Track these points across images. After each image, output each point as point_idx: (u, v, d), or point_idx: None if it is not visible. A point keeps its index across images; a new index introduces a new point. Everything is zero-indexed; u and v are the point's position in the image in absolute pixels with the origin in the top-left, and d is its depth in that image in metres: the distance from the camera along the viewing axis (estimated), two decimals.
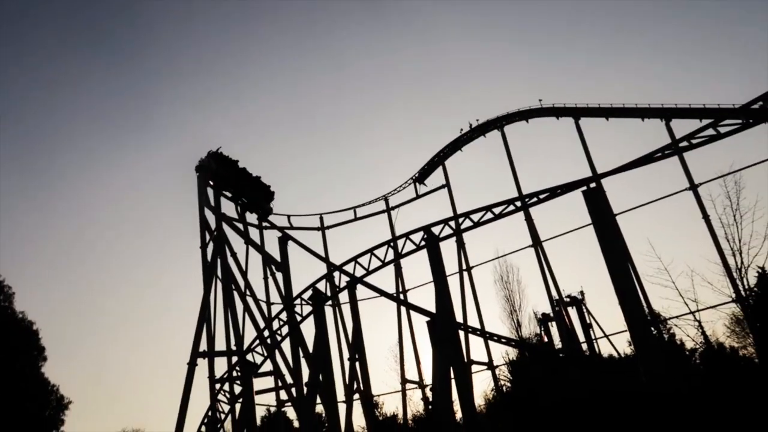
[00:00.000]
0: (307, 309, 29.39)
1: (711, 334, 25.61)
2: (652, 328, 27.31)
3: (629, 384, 23.00)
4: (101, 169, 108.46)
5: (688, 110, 30.98)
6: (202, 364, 30.74)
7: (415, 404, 34.20)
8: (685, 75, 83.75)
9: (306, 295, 29.15)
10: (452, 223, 26.91)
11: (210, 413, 30.23)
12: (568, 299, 33.46)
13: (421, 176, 42.82)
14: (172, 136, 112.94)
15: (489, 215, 25.95)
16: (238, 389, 30.78)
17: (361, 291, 30.46)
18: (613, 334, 33.05)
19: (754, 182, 26.19)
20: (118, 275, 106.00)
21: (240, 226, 35.89)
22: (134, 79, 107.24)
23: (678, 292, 23.72)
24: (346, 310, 33.36)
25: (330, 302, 36.12)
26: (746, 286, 23.80)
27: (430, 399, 27.46)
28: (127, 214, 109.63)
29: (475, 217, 26.12)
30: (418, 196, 42.85)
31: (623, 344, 33.62)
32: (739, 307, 24.82)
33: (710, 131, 22.02)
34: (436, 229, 26.30)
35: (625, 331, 22.72)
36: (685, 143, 23.43)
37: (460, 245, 37.38)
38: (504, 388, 29.97)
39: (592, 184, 24.02)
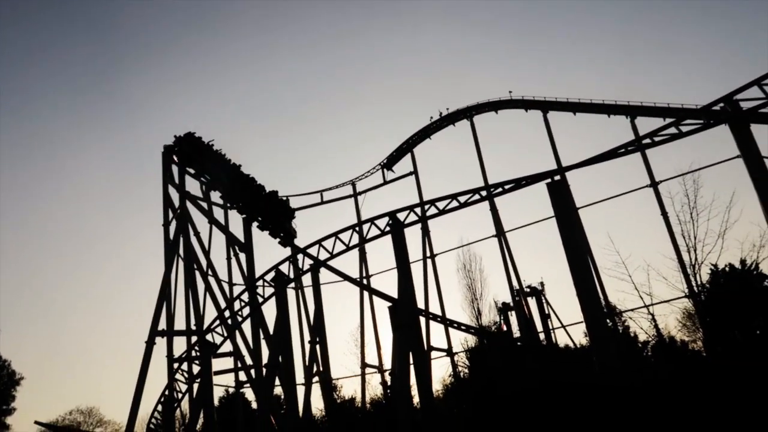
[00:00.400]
0: (270, 291, 29.24)
1: (663, 328, 26.25)
2: (608, 320, 28.02)
3: (584, 374, 23.53)
4: (61, 143, 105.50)
5: (653, 109, 31.65)
6: (161, 343, 30.43)
7: (374, 388, 34.48)
8: (654, 74, 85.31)
9: (269, 277, 28.97)
10: (418, 210, 27.01)
11: (167, 393, 29.94)
12: (528, 289, 33.97)
13: (390, 162, 42.82)
14: (138, 113, 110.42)
15: (454, 203, 26.13)
16: (196, 369, 30.56)
17: (324, 274, 30.49)
18: (570, 325, 33.83)
19: (711, 182, 26.94)
20: (76, 250, 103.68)
21: (204, 205, 35.42)
22: (100, 53, 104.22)
23: (634, 285, 24.23)
24: (309, 293, 33.36)
25: (293, 285, 36.06)
26: (699, 282, 24.44)
27: (389, 383, 27.66)
28: (87, 189, 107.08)
29: (441, 204, 26.26)
30: (385, 182, 42.87)
31: (579, 335, 34.45)
32: (691, 302, 25.54)
33: (672, 130, 22.49)
34: (401, 215, 26.37)
35: (582, 322, 23.21)
36: (647, 140, 23.87)
37: (425, 232, 37.58)
38: (462, 374, 30.38)
39: (557, 177, 24.32)
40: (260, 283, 29.53)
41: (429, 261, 37.27)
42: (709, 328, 24.17)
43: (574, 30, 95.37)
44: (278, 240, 31.44)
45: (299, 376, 30.57)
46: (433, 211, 26.76)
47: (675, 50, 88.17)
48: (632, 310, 26.18)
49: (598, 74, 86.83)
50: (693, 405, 17.88)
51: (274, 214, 30.62)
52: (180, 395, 30.99)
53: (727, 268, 24.98)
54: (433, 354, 33.14)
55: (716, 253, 23.01)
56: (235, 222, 36.65)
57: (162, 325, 30.87)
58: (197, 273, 32.18)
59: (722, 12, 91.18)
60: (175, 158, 33.33)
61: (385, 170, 43.02)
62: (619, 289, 33.46)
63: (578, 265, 21.44)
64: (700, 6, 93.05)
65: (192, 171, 32.71)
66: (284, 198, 35.25)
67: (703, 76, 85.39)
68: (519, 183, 25.43)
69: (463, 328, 29.89)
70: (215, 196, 36.82)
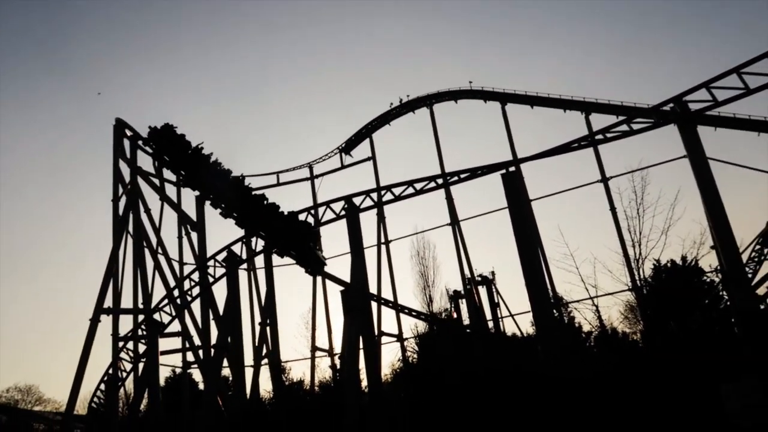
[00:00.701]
0: (221, 271, 28.83)
1: (606, 319, 27.08)
2: (554, 311, 28.74)
3: (529, 363, 24.08)
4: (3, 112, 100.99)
5: (606, 106, 32.40)
6: (106, 321, 29.72)
7: (323, 371, 34.54)
8: (611, 72, 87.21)
9: (220, 257, 28.55)
10: (374, 195, 27.01)
11: (111, 372, 29.30)
12: (479, 278, 34.50)
13: (348, 147, 42.66)
14: (89, 84, 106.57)
15: (410, 190, 26.23)
16: (142, 349, 29.97)
17: (277, 257, 30.17)
18: (518, 314, 34.61)
19: (658, 180, 27.77)
20: (18, 223, 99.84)
21: (156, 181, 34.57)
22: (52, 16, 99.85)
23: (580, 277, 24.84)
24: (261, 275, 33.07)
25: (245, 266, 35.67)
26: (641, 276, 25.25)
27: (338, 367, 27.76)
28: (34, 161, 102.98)
29: (397, 190, 26.33)
30: (343, 167, 42.71)
31: (527, 324, 35.24)
32: (633, 295, 26.40)
33: (624, 127, 23.11)
34: (357, 200, 26.33)
35: (529, 311, 23.73)
36: (600, 136, 24.48)
37: (381, 218, 37.71)
38: (411, 360, 30.70)
39: (512, 168, 24.69)
40: (211, 263, 29.09)
41: (383, 247, 37.45)
42: (649, 321, 25.06)
43: (536, 26, 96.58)
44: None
45: (248, 358, 30.37)
46: (389, 197, 26.80)
47: (632, 50, 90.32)
48: (578, 301, 26.87)
49: (557, 70, 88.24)
50: (631, 395, 18.51)
51: (294, 238, 27.87)
52: (124, 375, 30.36)
53: (669, 264, 25.91)
54: (384, 339, 33.45)
55: (659, 249, 23.78)
56: (188, 200, 35.98)
57: (108, 302, 30.12)
58: (147, 251, 31.46)
59: (681, 16, 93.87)
60: (128, 133, 32.38)
61: (343, 154, 42.87)
62: (566, 281, 34.26)
63: (528, 255, 21.91)
64: (661, 9, 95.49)
65: (148, 150, 31.36)
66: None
67: (658, 76, 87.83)
68: (474, 173, 25.71)
69: (414, 314, 30.19)
70: (168, 172, 35.98)
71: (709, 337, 16.45)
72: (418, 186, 26.15)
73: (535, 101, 35.42)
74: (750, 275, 30.09)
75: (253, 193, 27.86)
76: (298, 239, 27.84)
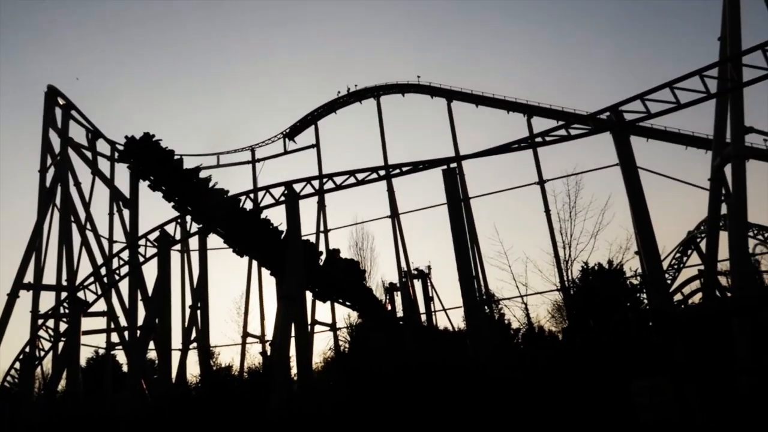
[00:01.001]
0: (153, 251, 28.00)
1: (534, 317, 27.99)
2: (486, 307, 29.44)
3: (459, 357, 24.54)
4: None
5: (548, 110, 33.35)
6: (26, 297, 28.43)
7: (252, 357, 34.12)
8: (556, 77, 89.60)
9: (153, 236, 27.70)
10: (315, 183, 26.77)
11: (28, 349, 28.00)
12: (415, 272, 34.87)
13: (292, 132, 42.14)
14: (22, 51, 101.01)
15: (352, 180, 26.13)
16: (64, 327, 28.77)
17: (213, 239, 29.49)
18: (450, 309, 35.19)
19: (592, 185, 28.90)
20: None
21: (88, 154, 33.26)
22: None
23: (512, 275, 25.58)
24: (195, 257, 32.31)
25: (178, 247, 34.77)
26: (570, 278, 26.19)
27: (269, 353, 27.50)
28: None
29: (339, 179, 26.18)
30: (286, 152, 42.16)
31: (458, 319, 35.91)
32: (561, 295, 27.35)
33: (562, 132, 23.74)
34: (297, 186, 26.04)
35: (462, 306, 24.18)
36: (539, 139, 25.10)
37: (321, 206, 37.52)
38: (343, 349, 30.77)
39: (453, 165, 24.99)
40: (143, 242, 28.18)
41: (322, 235, 37.28)
42: (574, 320, 26.03)
43: (487, 26, 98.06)
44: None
45: (176, 341, 29.69)
46: (330, 185, 26.62)
47: (576, 57, 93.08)
48: (509, 299, 27.68)
49: (505, 72, 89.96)
50: (553, 391, 19.13)
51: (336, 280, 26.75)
52: (42, 353, 29.06)
53: (596, 267, 26.97)
54: (317, 328, 33.36)
55: (588, 252, 24.77)
56: (122, 177, 34.76)
57: (29, 277, 28.84)
58: (74, 226, 30.23)
59: (626, 25, 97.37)
60: (60, 101, 30.92)
61: (287, 140, 42.31)
62: (499, 278, 35.26)
63: (463, 252, 22.28)
64: (608, 19, 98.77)
65: (80, 119, 29.88)
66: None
67: (603, 84, 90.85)
68: (416, 167, 25.89)
69: (348, 304, 30.20)
70: (102, 145, 34.64)
71: (625, 338, 17.25)
72: (360, 176, 26.09)
73: (480, 101, 36.00)
74: (669, 281, 31.75)
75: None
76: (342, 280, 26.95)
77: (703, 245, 28.10)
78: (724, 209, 23.97)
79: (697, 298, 28.84)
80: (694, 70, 20.56)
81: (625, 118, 21.90)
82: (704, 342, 18.30)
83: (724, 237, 23.67)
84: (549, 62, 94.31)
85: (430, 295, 34.95)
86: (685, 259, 34.64)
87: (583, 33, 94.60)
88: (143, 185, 34.30)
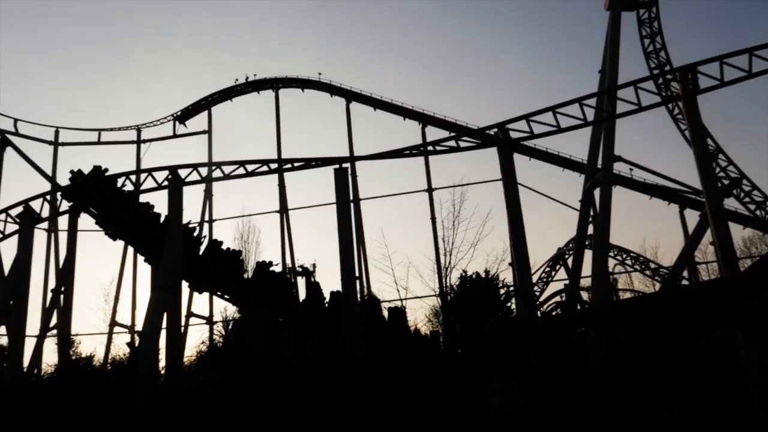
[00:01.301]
0: (13, 228, 25.71)
1: (413, 321, 28.68)
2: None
3: (335, 356, 24.58)
4: None
5: (441, 121, 34.44)
6: None
7: (118, 348, 32.17)
8: (457, 90, 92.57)
9: (14, 212, 25.44)
10: (203, 170, 25.85)
11: None
12: (300, 269, 34.60)
13: (184, 116, 40.37)
14: None
15: (241, 170, 25.50)
16: None
17: (86, 220, 27.48)
18: None
19: (477, 197, 30.15)
20: None
21: None
22: None
23: (394, 279, 26.11)
24: (64, 237, 29.99)
25: (45, 225, 32.14)
26: (448, 284, 27.12)
27: (137, 344, 26.07)
28: None
29: (228, 169, 25.47)
30: (175, 135, 40.28)
31: None
32: (439, 300, 28.25)
33: (452, 143, 24.64)
34: (183, 172, 25.02)
35: None
36: (431, 148, 25.88)
37: (208, 195, 36.28)
38: (218, 344, 29.82)
39: (346, 165, 25.08)
40: (3, 216, 25.82)
41: (206, 225, 36.05)
42: (449, 325, 26.97)
43: (390, 31, 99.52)
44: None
45: (33, 327, 27.37)
46: (218, 174, 25.84)
47: (472, 73, 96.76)
48: (389, 301, 28.22)
49: (404, 78, 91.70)
50: (421, 390, 19.67)
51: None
52: None
53: (474, 275, 28.11)
54: (192, 320, 32.15)
55: (467, 260, 25.84)
56: None
57: None
58: None
59: (522, 46, 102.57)
60: None
61: (177, 123, 40.42)
62: (381, 281, 35.80)
63: (348, 251, 22.45)
64: (505, 35, 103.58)
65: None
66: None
67: (494, 102, 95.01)
68: (309, 163, 25.76)
69: (226, 297, 29.32)
70: None
71: (491, 344, 18.13)
72: (251, 167, 25.52)
73: (379, 104, 36.45)
74: (538, 293, 33.83)
75: None
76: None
77: (570, 261, 30.11)
78: (591, 230, 25.89)
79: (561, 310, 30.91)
80: (576, 98, 22.08)
81: (510, 135, 23.07)
82: (561, 350, 19.62)
83: (588, 255, 25.50)
84: (448, 74, 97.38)
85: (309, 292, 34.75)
86: (553, 273, 37.04)
87: (483, 48, 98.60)
88: (10, 156, 31.69)
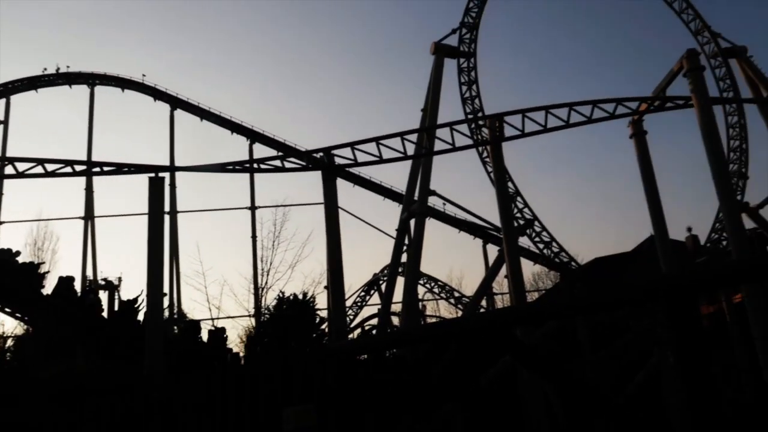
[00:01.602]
0: None
1: (229, 342, 27.82)
2: (175, 327, 28.24)
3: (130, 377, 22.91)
4: None
5: (270, 139, 34.35)
6: None
7: None
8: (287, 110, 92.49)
9: None
10: None
11: None
12: (103, 282, 31.80)
13: None
14: None
15: (40, 169, 22.90)
16: None
17: None
18: None
19: (297, 219, 30.25)
20: None
21: None
22: None
23: (207, 297, 25.16)
24: None
25: None
26: (264, 305, 26.79)
27: None
28: None
29: (21, 166, 22.72)
30: None
31: None
32: (253, 321, 27.75)
33: (278, 162, 24.49)
34: None
35: None
36: (256, 165, 25.49)
37: None
38: None
39: (163, 174, 23.69)
40: None
41: None
42: (265, 346, 26.56)
43: (222, 35, 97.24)
44: None
45: None
46: (11, 171, 22.93)
47: (305, 95, 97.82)
48: (200, 320, 27.07)
49: (236, 91, 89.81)
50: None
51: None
52: None
53: (291, 297, 28.07)
54: None
55: (285, 281, 25.78)
56: None
57: None
58: None
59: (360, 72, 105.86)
60: None
61: None
62: (193, 298, 34.28)
63: (156, 265, 21.14)
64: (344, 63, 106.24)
65: None
66: None
67: (328, 125, 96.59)
68: (121, 168, 23.91)
69: (17, 316, 25.95)
70: None
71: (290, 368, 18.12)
72: (51, 167, 23.01)
73: (206, 115, 35.23)
74: (352, 317, 34.67)
75: None
76: None
77: (384, 287, 31.33)
78: (405, 258, 27.25)
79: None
80: (398, 132, 23.23)
81: (335, 161, 23.56)
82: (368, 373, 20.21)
83: (401, 281, 26.78)
84: (281, 91, 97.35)
85: (116, 309, 32.15)
86: (368, 297, 38.26)
87: (317, 70, 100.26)
88: None
